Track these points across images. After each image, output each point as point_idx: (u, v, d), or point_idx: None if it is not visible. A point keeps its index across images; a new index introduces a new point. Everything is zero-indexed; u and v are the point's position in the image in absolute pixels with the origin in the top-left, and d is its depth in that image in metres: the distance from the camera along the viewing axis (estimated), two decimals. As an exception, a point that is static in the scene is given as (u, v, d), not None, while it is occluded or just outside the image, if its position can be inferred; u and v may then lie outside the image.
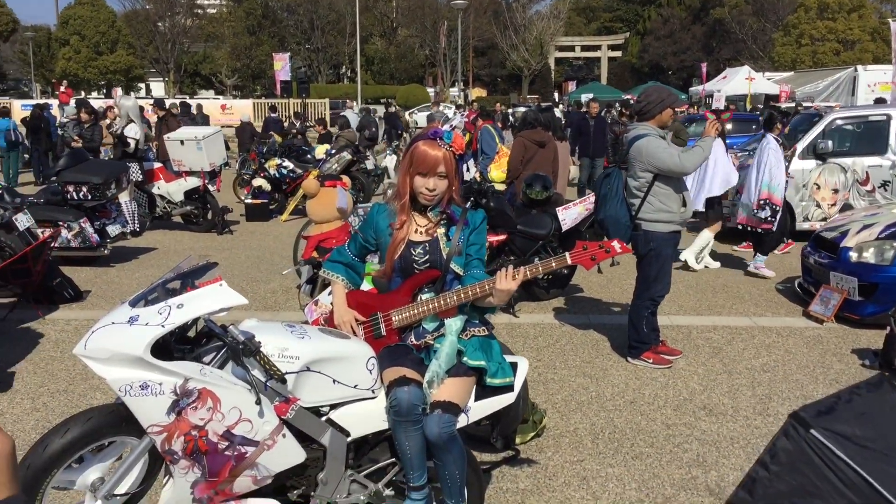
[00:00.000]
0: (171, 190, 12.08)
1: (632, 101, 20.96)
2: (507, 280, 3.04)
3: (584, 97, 38.67)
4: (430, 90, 55.41)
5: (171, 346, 2.89)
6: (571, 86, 53.08)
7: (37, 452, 2.70)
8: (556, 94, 54.78)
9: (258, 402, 2.80)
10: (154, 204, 12.20)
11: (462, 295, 3.13)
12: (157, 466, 2.99)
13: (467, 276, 3.23)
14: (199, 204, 12.20)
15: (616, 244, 3.18)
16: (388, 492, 3.23)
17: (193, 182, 12.02)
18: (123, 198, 10.51)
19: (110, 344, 2.70)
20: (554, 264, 3.16)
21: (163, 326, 2.71)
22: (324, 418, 3.06)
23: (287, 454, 2.94)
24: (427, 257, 3.23)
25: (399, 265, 3.25)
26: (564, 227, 7.29)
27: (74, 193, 9.32)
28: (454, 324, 3.14)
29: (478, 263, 3.26)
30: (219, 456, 2.83)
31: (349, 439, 3.11)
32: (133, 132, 10.92)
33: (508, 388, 3.27)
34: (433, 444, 2.98)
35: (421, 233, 3.26)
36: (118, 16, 59.67)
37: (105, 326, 2.77)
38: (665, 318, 6.28)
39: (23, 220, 7.90)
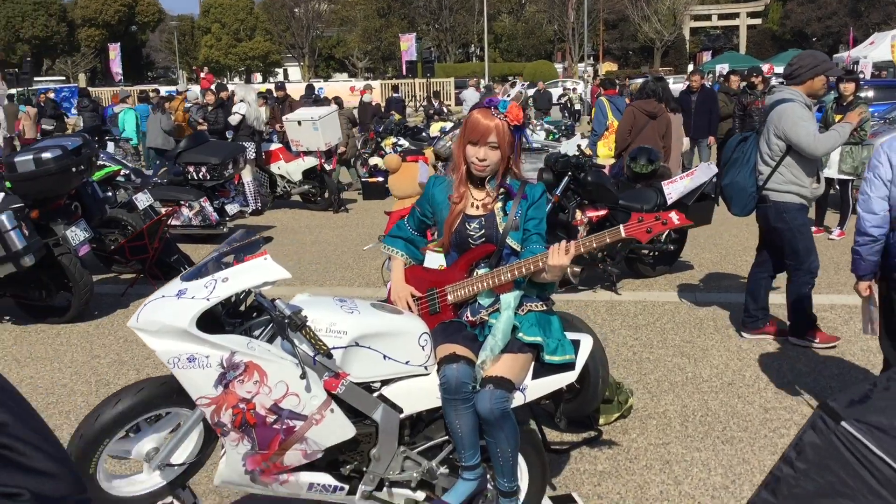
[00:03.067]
0: (291, 170, 12.41)
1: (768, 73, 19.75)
2: (560, 255, 2.91)
3: (719, 68, 37.08)
4: (559, 66, 54.66)
5: (222, 320, 2.92)
6: (707, 56, 51.02)
7: (89, 422, 2.80)
8: (689, 66, 52.85)
9: (303, 377, 2.79)
10: (275, 183, 12.59)
11: (516, 270, 3.02)
12: (213, 438, 3.04)
13: (525, 251, 3.12)
14: (317, 183, 12.50)
15: (674, 215, 2.97)
16: (443, 469, 3.17)
17: (311, 161, 12.30)
18: (246, 177, 10.88)
19: (159, 316, 2.75)
20: (608, 238, 2.99)
21: (207, 300, 2.74)
22: (375, 394, 3.03)
23: (336, 429, 2.93)
24: (483, 232, 3.13)
25: (455, 239, 3.17)
26: (670, 201, 6.98)
27: (194, 173, 9.71)
28: (509, 299, 3.03)
29: (537, 238, 3.13)
30: (267, 429, 2.85)
31: (402, 416, 3.06)
32: (239, 108, 11.30)
33: (569, 366, 3.15)
34: (484, 421, 2.90)
35: (477, 206, 3.16)
36: (256, 3, 61.93)
37: (156, 300, 2.83)
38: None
39: (143, 200, 8.29)
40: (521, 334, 3.00)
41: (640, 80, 21.70)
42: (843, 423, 1.63)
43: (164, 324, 2.73)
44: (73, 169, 6.29)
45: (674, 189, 7.10)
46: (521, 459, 3.27)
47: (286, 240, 10.23)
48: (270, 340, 2.88)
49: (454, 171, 3.19)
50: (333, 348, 2.87)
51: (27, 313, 6.80)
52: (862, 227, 3.97)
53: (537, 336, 3.02)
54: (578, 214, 6.77)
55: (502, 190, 3.15)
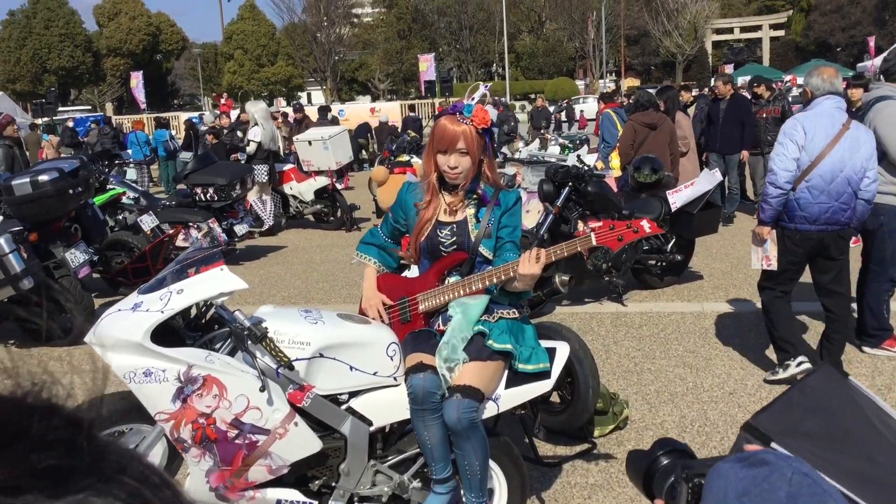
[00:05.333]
0: (302, 189, 12.40)
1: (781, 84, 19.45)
2: (530, 263, 2.82)
3: (741, 80, 36.79)
4: (580, 83, 54.60)
5: (181, 333, 2.86)
6: (728, 69, 50.62)
7: (44, 438, 2.73)
8: (712, 80, 52.46)
9: (263, 390, 2.72)
10: (287, 204, 12.58)
11: (487, 279, 2.94)
12: (178, 454, 2.97)
13: (498, 259, 3.03)
14: (329, 202, 12.48)
15: (646, 224, 2.87)
16: (415, 483, 3.08)
17: (322, 181, 12.29)
18: (252, 196, 10.89)
19: (114, 331, 2.70)
20: (578, 246, 2.90)
21: (162, 312, 2.68)
22: (343, 407, 2.94)
23: (301, 443, 2.85)
24: (454, 239, 3.05)
25: (426, 246, 3.09)
26: (674, 209, 6.85)
27: (202, 195, 9.71)
28: (467, 303, 2.95)
29: (510, 247, 3.04)
30: (229, 444, 2.77)
31: (372, 428, 2.98)
32: (254, 135, 11.29)
33: (544, 374, 3.05)
34: (452, 431, 2.81)
35: (449, 213, 3.08)
36: (278, 29, 62.58)
37: (113, 313, 2.78)
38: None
39: (148, 222, 8.31)
40: (490, 341, 2.91)
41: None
42: (774, 445, 1.51)
43: (119, 338, 2.68)
44: (70, 191, 6.30)
45: (678, 198, 6.97)
46: (499, 472, 3.18)
47: (296, 259, 10.20)
48: (232, 353, 2.81)
49: (424, 178, 3.13)
50: (296, 360, 2.80)
51: (30, 337, 6.79)
52: (776, 182, 4.73)
53: (507, 343, 2.92)
54: (581, 225, 6.66)
55: (475, 196, 3.07)
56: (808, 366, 4.86)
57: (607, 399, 4.42)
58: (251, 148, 11.28)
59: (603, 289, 7.21)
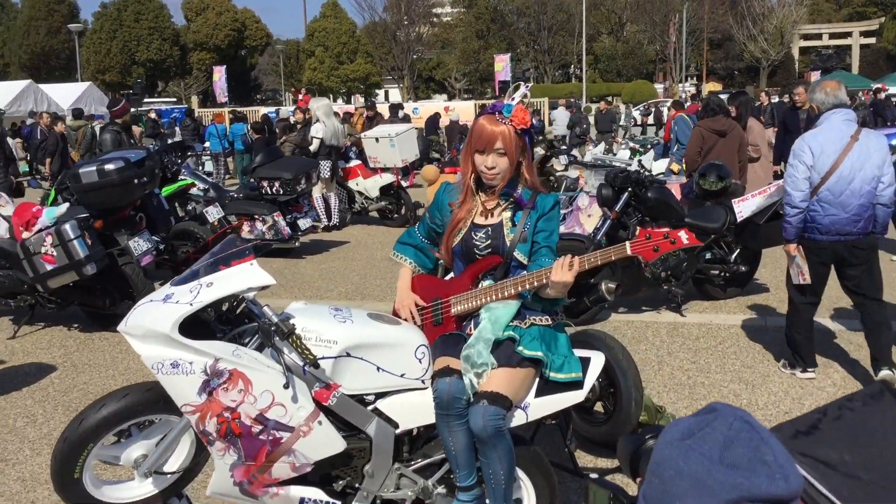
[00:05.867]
0: (368, 186, 12.48)
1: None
2: (563, 271, 2.75)
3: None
4: (659, 86, 53.67)
5: (212, 326, 2.87)
6: (815, 76, 49.10)
7: (73, 426, 2.78)
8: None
9: (287, 386, 2.71)
10: (353, 199, 12.69)
11: (519, 285, 2.87)
12: (205, 448, 2.99)
13: (533, 264, 2.96)
14: (394, 199, 12.53)
15: (683, 234, 2.76)
16: (440, 489, 3.03)
17: (388, 178, 12.34)
18: (316, 192, 11.00)
19: (145, 321, 2.72)
20: (613, 255, 2.81)
21: (191, 305, 2.69)
22: (370, 408, 2.92)
23: (325, 442, 2.83)
24: (489, 242, 2.99)
25: (460, 249, 3.04)
26: (739, 218, 6.63)
27: (268, 188, 9.86)
28: (497, 307, 2.89)
29: (546, 252, 2.97)
30: (253, 439, 2.77)
31: (398, 431, 2.94)
32: (316, 131, 11.39)
33: (577, 384, 2.96)
34: (477, 438, 2.75)
35: (485, 215, 3.03)
36: (359, 27, 63.32)
37: (145, 304, 2.81)
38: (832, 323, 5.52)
39: (213, 213, 8.47)
40: (520, 348, 2.84)
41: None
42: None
43: (149, 328, 2.70)
44: (136, 181, 6.45)
45: (745, 207, 6.73)
46: (528, 482, 3.11)
47: (357, 255, 10.26)
48: (260, 348, 2.81)
49: (461, 180, 3.08)
50: (322, 358, 2.78)
51: (93, 321, 6.98)
52: (791, 202, 4.94)
53: (538, 351, 2.85)
54: (638, 232, 6.49)
55: (511, 199, 3.01)
56: (811, 375, 5.25)
57: (652, 412, 4.30)
58: (314, 145, 11.39)
59: (661, 297, 7.04)
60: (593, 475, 3.91)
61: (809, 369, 5.29)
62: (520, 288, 2.87)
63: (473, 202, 3.04)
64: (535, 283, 2.84)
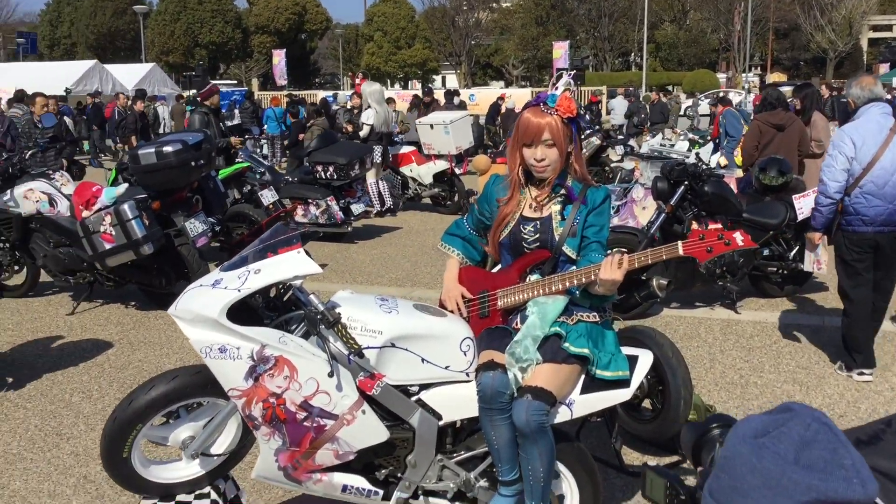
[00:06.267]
0: (422, 172, 12.49)
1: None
2: (612, 269, 2.71)
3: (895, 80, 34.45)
4: (721, 76, 52.61)
5: (260, 312, 2.90)
6: (884, 68, 47.59)
7: (123, 406, 2.84)
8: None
9: (331, 375, 2.72)
10: (406, 185, 12.72)
11: (567, 280, 2.84)
12: (250, 432, 3.02)
13: (582, 260, 2.92)
14: (447, 186, 12.52)
15: (738, 236, 2.69)
16: (482, 483, 3.02)
17: (442, 165, 12.33)
18: (370, 178, 11.05)
19: (194, 305, 2.76)
20: (664, 254, 2.75)
21: (239, 291, 2.71)
22: (413, 398, 2.92)
23: (368, 431, 2.84)
24: (537, 236, 2.96)
25: (508, 242, 3.01)
26: (800, 217, 6.47)
27: (322, 173, 9.94)
28: (544, 302, 2.86)
29: (596, 247, 2.93)
30: (298, 426, 2.80)
31: (441, 423, 2.94)
32: (367, 118, 11.41)
33: (624, 383, 2.92)
34: (519, 433, 2.73)
35: (534, 209, 3.00)
36: (418, 12, 63.31)
37: (195, 288, 2.84)
38: None
39: (268, 196, 8.57)
40: (567, 344, 2.81)
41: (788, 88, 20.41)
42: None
43: (198, 313, 2.73)
44: (193, 163, 6.55)
45: (806, 204, 6.56)
46: (571, 479, 3.08)
47: (409, 241, 10.29)
48: (306, 336, 2.83)
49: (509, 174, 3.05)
50: (366, 348, 2.79)
51: (150, 300, 7.13)
52: (826, 192, 5.02)
53: (584, 348, 2.81)
54: (694, 226, 6.38)
55: (562, 192, 2.97)
56: (868, 378, 5.14)
57: (702, 411, 4.22)
58: (364, 131, 11.42)
59: (716, 294, 6.92)
60: (651, 463, 3.87)
61: (866, 371, 5.16)
62: (568, 284, 2.84)
63: (522, 196, 3.01)
64: (584, 280, 2.80)
